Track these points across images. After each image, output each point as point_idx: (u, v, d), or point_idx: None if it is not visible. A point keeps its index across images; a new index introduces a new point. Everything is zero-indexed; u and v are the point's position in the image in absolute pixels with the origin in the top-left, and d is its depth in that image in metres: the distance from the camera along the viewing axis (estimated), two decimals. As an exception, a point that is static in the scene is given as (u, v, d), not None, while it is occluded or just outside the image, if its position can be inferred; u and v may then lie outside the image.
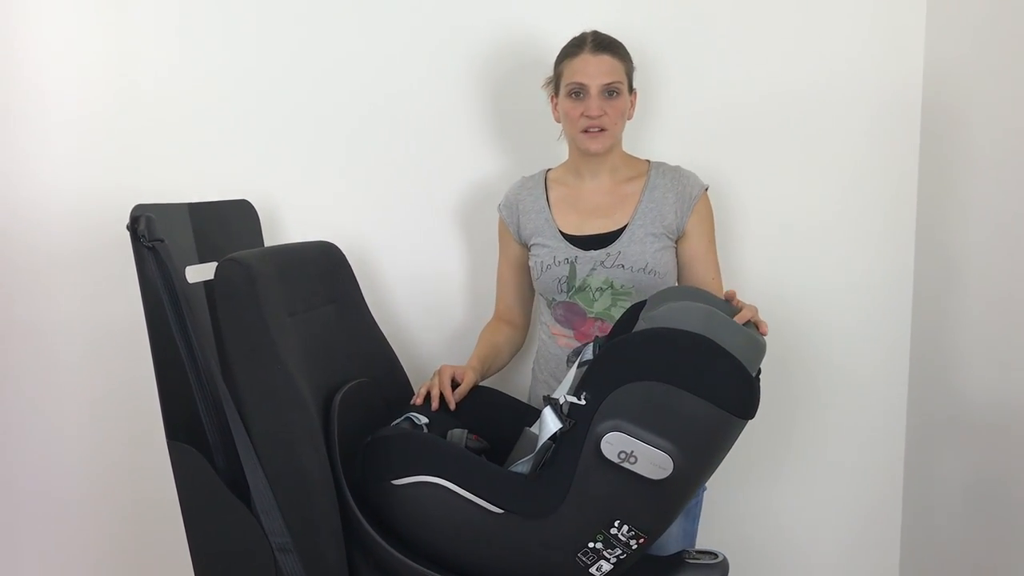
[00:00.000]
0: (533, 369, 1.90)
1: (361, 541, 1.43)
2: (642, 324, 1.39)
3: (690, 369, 1.30)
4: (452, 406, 1.64)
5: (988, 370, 1.83)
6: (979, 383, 1.87)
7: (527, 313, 1.93)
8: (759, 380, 1.39)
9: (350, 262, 1.74)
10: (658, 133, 2.04)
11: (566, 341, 1.79)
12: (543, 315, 1.84)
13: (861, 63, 2.03)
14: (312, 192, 2.06)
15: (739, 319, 1.42)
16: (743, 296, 1.55)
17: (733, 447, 1.40)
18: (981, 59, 1.84)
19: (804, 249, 2.10)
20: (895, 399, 2.14)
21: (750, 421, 1.35)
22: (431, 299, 2.11)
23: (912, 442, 2.13)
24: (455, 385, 1.67)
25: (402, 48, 2.04)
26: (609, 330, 1.68)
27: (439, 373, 1.68)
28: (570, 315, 1.78)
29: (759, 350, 1.38)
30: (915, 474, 2.13)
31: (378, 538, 1.40)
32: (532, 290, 1.90)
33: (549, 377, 1.82)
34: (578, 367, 1.54)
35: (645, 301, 1.55)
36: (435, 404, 1.63)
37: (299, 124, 2.05)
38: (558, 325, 1.80)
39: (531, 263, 1.81)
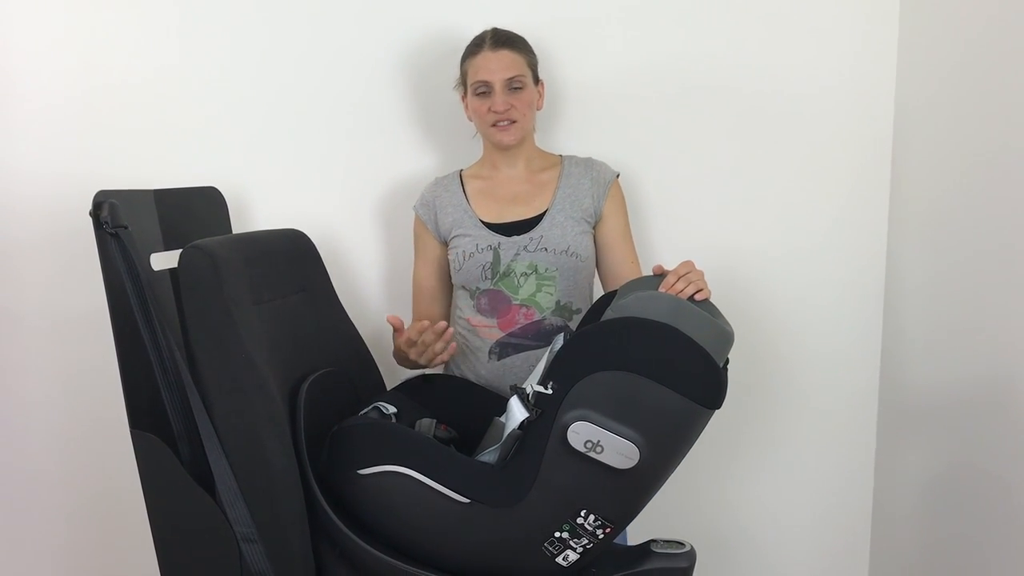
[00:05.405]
0: (448, 367, 1.88)
1: (327, 531, 1.42)
2: (610, 313, 1.38)
3: (656, 359, 1.29)
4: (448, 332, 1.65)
5: (957, 360, 1.85)
6: (948, 374, 1.88)
7: (444, 319, 1.89)
8: (727, 370, 1.39)
9: (320, 252, 1.73)
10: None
11: (488, 332, 1.79)
12: (461, 310, 1.84)
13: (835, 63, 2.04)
14: (283, 180, 2.04)
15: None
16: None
17: (705, 437, 1.40)
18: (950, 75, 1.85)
19: (779, 241, 2.10)
20: (866, 389, 2.16)
21: (719, 411, 1.34)
22: (403, 290, 2.08)
23: (883, 430, 2.15)
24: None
25: (375, 39, 2.02)
26: (533, 316, 1.73)
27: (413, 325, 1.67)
28: (495, 303, 1.78)
29: (727, 340, 1.38)
30: (885, 462, 2.14)
31: (344, 528, 1.39)
32: (449, 295, 1.90)
33: (468, 371, 1.81)
34: (547, 356, 1.53)
35: (616, 291, 1.54)
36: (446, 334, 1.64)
37: (272, 112, 2.03)
38: (480, 316, 1.80)
39: (451, 255, 1.82)
